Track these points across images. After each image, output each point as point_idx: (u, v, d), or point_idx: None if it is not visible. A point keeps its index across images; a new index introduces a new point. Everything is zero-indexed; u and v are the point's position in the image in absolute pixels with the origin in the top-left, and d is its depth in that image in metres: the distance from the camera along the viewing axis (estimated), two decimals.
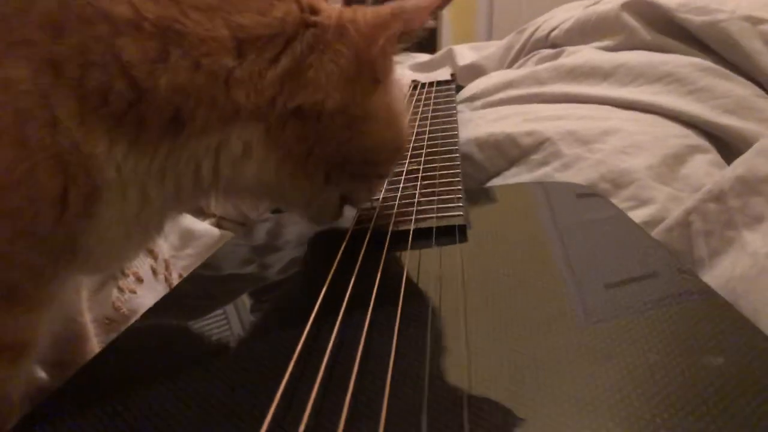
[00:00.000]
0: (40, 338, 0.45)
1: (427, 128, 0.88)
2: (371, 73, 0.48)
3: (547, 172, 0.81)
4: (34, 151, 0.37)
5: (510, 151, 0.87)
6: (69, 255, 0.41)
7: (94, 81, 0.38)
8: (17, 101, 0.36)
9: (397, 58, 0.53)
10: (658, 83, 0.92)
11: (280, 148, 0.46)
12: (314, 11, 0.46)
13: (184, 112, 0.41)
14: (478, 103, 1.09)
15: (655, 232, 0.59)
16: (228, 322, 0.50)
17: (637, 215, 0.71)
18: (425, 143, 0.81)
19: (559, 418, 0.32)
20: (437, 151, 0.77)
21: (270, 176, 0.47)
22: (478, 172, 0.89)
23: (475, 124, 0.96)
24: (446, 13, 3.17)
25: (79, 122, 0.38)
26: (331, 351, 0.39)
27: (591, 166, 0.78)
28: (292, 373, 0.36)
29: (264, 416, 0.33)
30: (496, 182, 0.87)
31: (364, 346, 0.39)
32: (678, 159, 0.78)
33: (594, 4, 1.26)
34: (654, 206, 0.71)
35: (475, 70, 1.45)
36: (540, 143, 0.85)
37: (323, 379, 0.36)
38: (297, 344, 0.39)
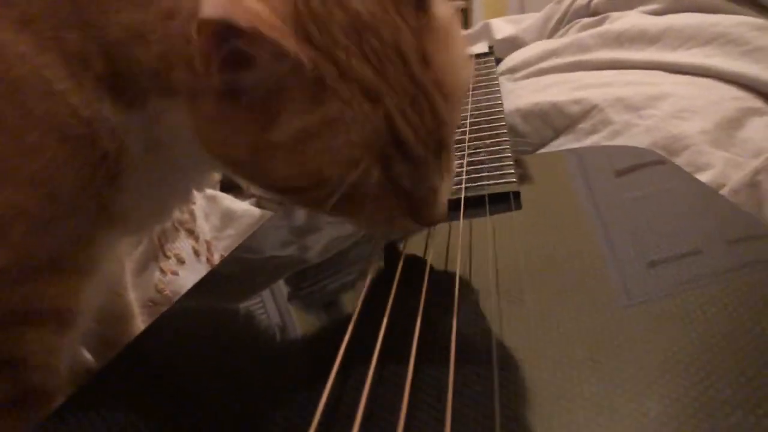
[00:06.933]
0: (86, 310, 0.44)
1: (469, 99, 0.86)
2: None
3: (596, 141, 0.78)
4: None
5: (556, 121, 0.84)
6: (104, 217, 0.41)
7: None
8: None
9: None
10: (709, 45, 0.88)
11: None
12: None
13: None
14: (520, 74, 1.06)
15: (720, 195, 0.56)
16: (265, 304, 0.50)
17: None
18: (468, 113, 0.79)
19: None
20: (482, 121, 0.74)
21: None
22: (522, 143, 0.87)
23: (517, 95, 0.93)
24: None
25: None
26: (389, 317, 0.38)
27: (642, 132, 0.75)
28: (343, 357, 0.35)
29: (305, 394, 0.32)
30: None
31: (423, 314, 0.38)
32: (735, 122, 0.74)
33: None
34: (711, 172, 0.68)
35: (514, 43, 1.41)
36: (587, 111, 0.82)
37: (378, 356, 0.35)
38: (339, 323, 0.39)
